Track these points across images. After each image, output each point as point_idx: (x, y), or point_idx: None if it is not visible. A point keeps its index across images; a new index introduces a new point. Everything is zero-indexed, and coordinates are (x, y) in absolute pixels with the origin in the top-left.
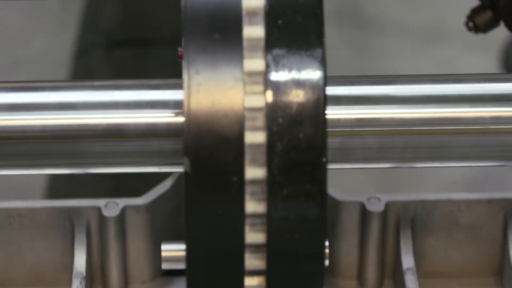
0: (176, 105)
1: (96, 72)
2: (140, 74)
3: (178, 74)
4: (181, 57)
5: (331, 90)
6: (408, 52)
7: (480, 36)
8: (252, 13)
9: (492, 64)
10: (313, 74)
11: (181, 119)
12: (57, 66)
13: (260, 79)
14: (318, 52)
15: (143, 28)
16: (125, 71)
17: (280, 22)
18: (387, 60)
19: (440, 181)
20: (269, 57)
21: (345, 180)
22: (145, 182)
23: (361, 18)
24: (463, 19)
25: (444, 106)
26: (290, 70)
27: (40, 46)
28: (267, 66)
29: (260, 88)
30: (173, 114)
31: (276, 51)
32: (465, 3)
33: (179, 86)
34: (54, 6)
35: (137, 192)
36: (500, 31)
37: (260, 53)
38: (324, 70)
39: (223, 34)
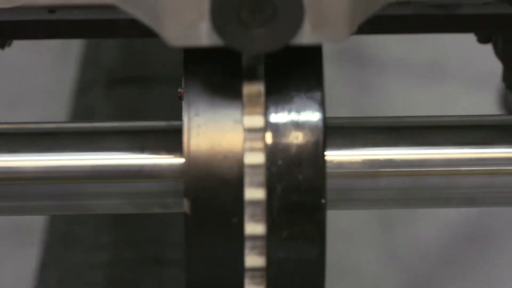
0: (176, 147)
1: (97, 109)
2: (140, 111)
3: (178, 113)
4: (181, 98)
5: (331, 132)
6: (408, 89)
7: (480, 74)
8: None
9: (491, 102)
10: (313, 116)
11: (181, 160)
12: (58, 103)
13: (260, 121)
14: (318, 94)
15: (143, 66)
16: (126, 109)
17: (279, 60)
18: (388, 98)
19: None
20: (270, 99)
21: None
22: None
23: (362, 56)
24: (462, 57)
25: (444, 148)
26: (289, 112)
27: (42, 83)
28: (267, 108)
29: (260, 130)
30: (174, 156)
31: (276, 94)
32: (464, 42)
33: (179, 127)
34: (55, 43)
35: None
36: (500, 69)
37: (261, 94)
38: (324, 112)
39: (224, 76)
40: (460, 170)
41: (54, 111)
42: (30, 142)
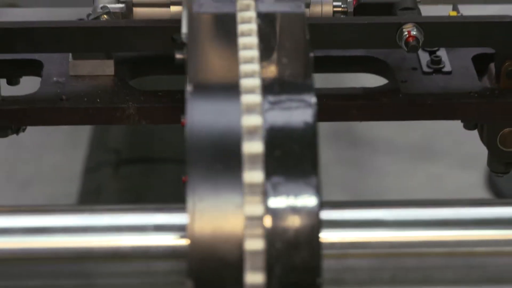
0: (180, 229)
1: (105, 188)
2: (146, 190)
3: (181, 193)
4: (185, 182)
5: (326, 214)
6: (399, 169)
7: (468, 155)
8: (252, 144)
9: (478, 182)
10: (309, 201)
11: (185, 241)
12: (68, 182)
13: (260, 206)
14: (313, 180)
15: (149, 147)
16: (132, 188)
17: (278, 152)
18: (379, 177)
19: None
20: (268, 184)
21: None
22: None
23: (355, 137)
24: (450, 138)
25: (434, 230)
26: (287, 197)
27: (52, 163)
28: (266, 193)
29: (259, 214)
30: (178, 237)
31: (275, 180)
32: (452, 124)
33: (183, 210)
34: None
35: None
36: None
37: (260, 182)
38: (319, 197)
39: (225, 164)
40: (454, 251)
41: (64, 190)
42: (38, 224)
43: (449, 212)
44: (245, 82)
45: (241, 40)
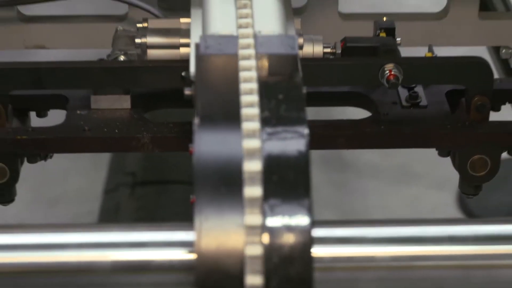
0: (189, 244)
1: (122, 207)
2: (158, 208)
3: (189, 211)
4: (193, 203)
5: (317, 232)
6: (381, 190)
7: (441, 178)
8: (252, 171)
9: (450, 202)
10: (302, 220)
11: (192, 256)
12: (90, 202)
13: (259, 225)
14: (306, 202)
15: (161, 171)
16: (146, 206)
17: (275, 177)
18: (363, 197)
19: None
20: (266, 206)
21: None
22: None
23: (342, 162)
24: (426, 163)
25: (412, 245)
26: (283, 217)
27: (76, 185)
28: (264, 213)
29: (258, 232)
30: (186, 252)
31: (272, 202)
32: (428, 150)
33: (191, 228)
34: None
35: None
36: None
37: (259, 203)
38: (311, 217)
39: (228, 188)
40: (429, 264)
41: (87, 208)
42: (62, 240)
43: (424, 229)
44: (245, 116)
45: (242, 79)
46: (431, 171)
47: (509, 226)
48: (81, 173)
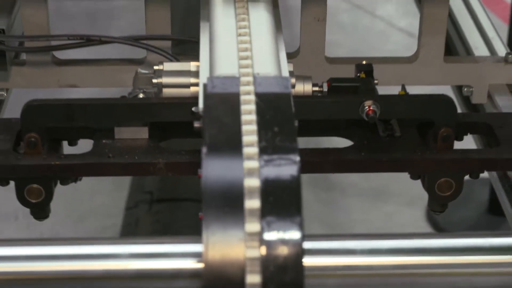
0: (197, 255)
1: (141, 221)
2: (172, 222)
3: (198, 226)
4: (201, 219)
5: (307, 245)
6: (362, 207)
7: (413, 197)
8: (251, 192)
9: (421, 217)
10: (294, 235)
11: (200, 265)
12: (113, 217)
13: (257, 238)
14: (298, 219)
15: (175, 190)
16: (162, 221)
17: (271, 198)
18: (347, 213)
19: None
20: (263, 223)
21: None
22: None
23: (329, 183)
24: (401, 184)
25: (390, 256)
26: (278, 232)
27: (102, 203)
28: (262, 229)
29: (256, 245)
30: (195, 261)
31: (268, 219)
32: (402, 174)
33: (199, 241)
34: None
35: None
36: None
37: (257, 220)
38: (302, 231)
39: (231, 207)
40: (406, 272)
41: (111, 223)
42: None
43: (399, 242)
44: (246, 145)
45: (244, 114)
46: (404, 191)
47: (470, 240)
48: (106, 193)
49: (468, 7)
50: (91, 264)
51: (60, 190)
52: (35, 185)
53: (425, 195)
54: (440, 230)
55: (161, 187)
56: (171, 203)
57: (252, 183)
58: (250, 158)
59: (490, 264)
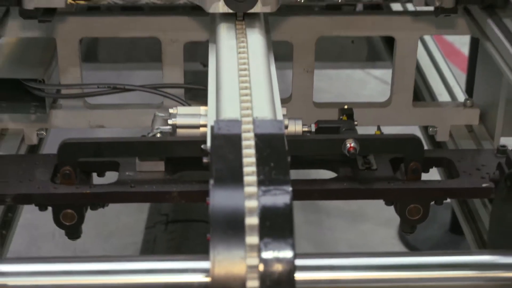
0: (205, 271)
1: (158, 239)
2: (185, 241)
3: (207, 244)
4: (209, 240)
5: (298, 262)
6: (343, 227)
7: (387, 219)
8: (251, 217)
9: (393, 235)
10: (287, 254)
11: (208, 279)
12: (135, 235)
13: (256, 256)
14: (290, 240)
15: (188, 213)
16: (176, 239)
17: (268, 223)
18: (331, 232)
19: None
20: (261, 244)
21: None
22: None
23: (316, 207)
24: (376, 208)
25: (370, 272)
26: (273, 251)
27: (125, 222)
28: (260, 249)
29: (256, 262)
30: (203, 276)
31: (265, 240)
32: (377, 201)
33: (207, 259)
34: None
35: None
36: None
37: (256, 241)
38: (294, 251)
39: (234, 231)
40: (384, 285)
41: (133, 240)
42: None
43: (376, 260)
44: (247, 179)
45: (244, 151)
46: (379, 214)
47: (438, 258)
48: (129, 214)
49: (432, 60)
50: (113, 278)
51: (90, 213)
52: (69, 210)
53: (397, 218)
54: (410, 247)
55: (175, 210)
56: (184, 224)
57: (252, 211)
58: (250, 190)
59: (453, 278)
